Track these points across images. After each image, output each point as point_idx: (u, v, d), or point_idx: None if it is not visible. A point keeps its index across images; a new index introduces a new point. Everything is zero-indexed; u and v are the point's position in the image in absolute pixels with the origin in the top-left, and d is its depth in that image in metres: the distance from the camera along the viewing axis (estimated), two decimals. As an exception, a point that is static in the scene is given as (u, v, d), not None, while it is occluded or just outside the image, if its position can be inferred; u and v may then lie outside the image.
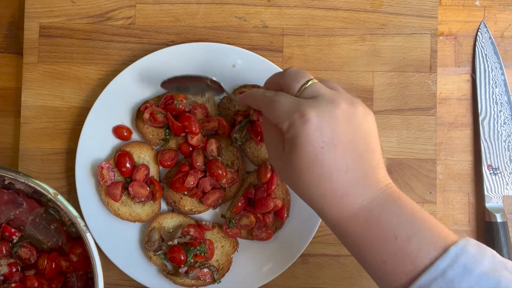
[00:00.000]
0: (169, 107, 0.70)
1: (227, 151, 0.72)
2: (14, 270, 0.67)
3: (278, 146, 0.55)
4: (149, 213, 0.72)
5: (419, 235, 0.49)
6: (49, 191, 0.62)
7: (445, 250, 0.48)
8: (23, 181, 0.62)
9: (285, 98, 0.53)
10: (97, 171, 0.71)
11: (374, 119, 0.54)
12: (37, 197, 0.67)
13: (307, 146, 0.50)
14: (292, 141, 0.51)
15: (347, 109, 0.51)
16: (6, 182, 0.65)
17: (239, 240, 0.73)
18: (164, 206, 0.73)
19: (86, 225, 0.63)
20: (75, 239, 0.68)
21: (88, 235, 0.62)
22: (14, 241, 0.68)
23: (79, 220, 0.62)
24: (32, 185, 0.62)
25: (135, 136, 0.74)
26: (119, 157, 0.71)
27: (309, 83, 0.54)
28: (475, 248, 0.49)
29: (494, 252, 0.50)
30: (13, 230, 0.68)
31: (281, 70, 0.72)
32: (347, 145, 0.51)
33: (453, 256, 0.48)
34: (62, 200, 0.62)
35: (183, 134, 0.71)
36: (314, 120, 0.50)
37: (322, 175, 0.51)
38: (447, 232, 0.50)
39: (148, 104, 0.71)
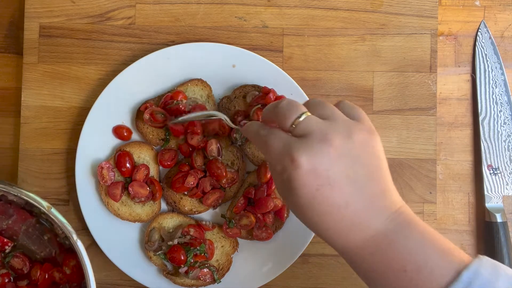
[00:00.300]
0: (170, 109, 0.70)
1: (227, 151, 0.72)
2: (6, 280, 0.66)
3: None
4: (149, 213, 0.72)
5: (430, 263, 0.47)
6: (43, 204, 0.61)
7: (458, 274, 0.46)
8: (16, 194, 0.61)
9: (277, 140, 0.51)
10: (97, 171, 0.71)
11: (377, 141, 0.51)
12: (29, 208, 0.66)
13: (302, 190, 0.49)
14: (287, 184, 0.50)
15: (341, 144, 0.49)
16: None
17: (239, 240, 0.73)
18: (164, 206, 0.74)
19: (79, 239, 0.62)
20: (68, 250, 0.67)
21: (82, 249, 0.61)
22: (7, 251, 0.67)
23: (73, 234, 0.61)
24: (25, 198, 0.61)
25: (135, 136, 0.74)
26: (119, 157, 0.71)
27: (301, 118, 0.51)
28: (488, 270, 0.47)
29: (509, 270, 0.48)
30: (5, 240, 0.66)
31: (281, 70, 0.72)
32: (344, 182, 0.49)
33: (466, 281, 0.46)
34: (55, 213, 0.61)
35: (182, 137, 0.71)
36: (305, 165, 0.48)
37: (322, 213, 0.49)
38: (459, 254, 0.48)
39: (148, 104, 0.71)
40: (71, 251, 0.65)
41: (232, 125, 0.67)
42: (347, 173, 0.49)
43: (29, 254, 0.68)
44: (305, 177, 0.48)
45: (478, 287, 0.45)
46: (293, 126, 0.51)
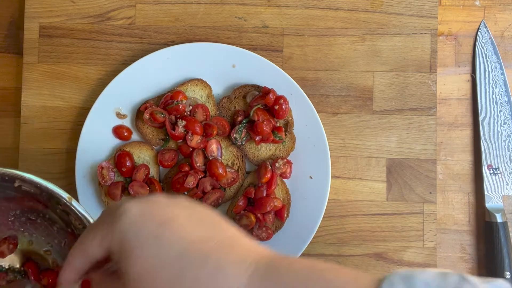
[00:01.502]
0: (170, 109, 0.70)
1: (227, 151, 0.72)
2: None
3: None
4: (149, 213, 0.72)
5: None
6: (63, 196, 0.61)
7: None
8: (36, 185, 0.61)
9: None
10: (97, 171, 0.71)
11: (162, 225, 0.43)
12: (44, 199, 0.65)
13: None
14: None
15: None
16: (16, 185, 0.64)
17: (239, 240, 0.73)
18: (164, 206, 0.73)
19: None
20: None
21: None
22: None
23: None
24: (45, 188, 0.61)
25: (135, 136, 0.74)
26: (119, 157, 0.71)
27: None
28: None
29: (424, 275, 0.41)
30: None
31: (281, 70, 0.72)
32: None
33: None
34: (76, 205, 0.61)
35: (180, 141, 0.71)
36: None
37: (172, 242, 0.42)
38: (356, 285, 0.40)
39: (148, 104, 0.71)
40: None
41: None
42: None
43: (37, 246, 0.68)
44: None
45: None
46: None
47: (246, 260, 0.42)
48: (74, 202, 0.60)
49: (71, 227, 0.66)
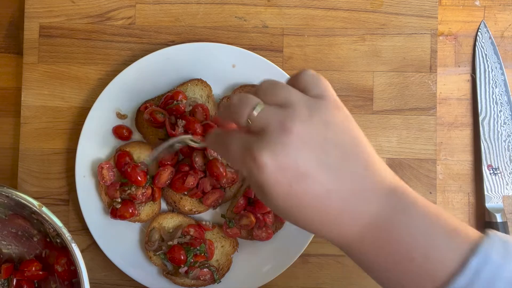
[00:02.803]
0: (170, 109, 0.70)
1: (227, 151, 0.72)
2: None
3: None
4: (149, 213, 0.72)
5: (437, 248, 0.43)
6: (34, 203, 0.61)
7: (466, 260, 0.42)
8: (7, 195, 0.61)
9: (235, 143, 0.46)
10: (97, 171, 0.71)
11: (345, 116, 0.46)
12: (19, 210, 0.66)
13: (275, 191, 0.44)
14: (258, 188, 0.45)
15: (303, 130, 0.43)
16: None
17: (239, 240, 0.73)
18: (164, 206, 0.73)
19: (71, 236, 0.61)
20: (59, 249, 0.67)
21: (73, 245, 0.60)
22: None
23: (65, 231, 0.61)
24: (16, 198, 0.61)
25: (135, 136, 0.74)
26: (119, 157, 0.71)
27: (255, 111, 0.45)
28: (500, 252, 0.42)
29: None
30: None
31: (281, 70, 0.72)
32: (318, 169, 0.43)
33: (474, 269, 0.42)
34: (47, 212, 0.61)
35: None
36: (269, 163, 0.43)
37: (305, 209, 0.44)
38: (466, 233, 0.44)
39: (148, 104, 0.71)
40: (63, 249, 0.65)
41: (196, 145, 0.59)
42: (319, 159, 0.43)
43: (19, 256, 0.68)
44: (273, 176, 0.43)
45: (487, 275, 0.41)
46: (249, 122, 0.45)
47: (387, 181, 0.46)
48: (44, 209, 0.60)
49: (49, 237, 0.66)
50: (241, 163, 0.45)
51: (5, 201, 0.62)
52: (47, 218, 0.60)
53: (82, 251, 0.72)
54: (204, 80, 0.73)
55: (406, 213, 0.44)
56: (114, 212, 0.70)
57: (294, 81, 0.47)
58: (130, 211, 0.70)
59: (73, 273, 0.64)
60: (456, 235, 0.44)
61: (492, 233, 0.44)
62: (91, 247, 0.73)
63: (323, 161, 0.43)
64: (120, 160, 0.71)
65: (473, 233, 0.44)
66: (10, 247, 0.68)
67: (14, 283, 0.67)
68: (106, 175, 0.71)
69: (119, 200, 0.70)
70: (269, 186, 0.44)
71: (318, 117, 0.44)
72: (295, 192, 0.44)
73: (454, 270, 0.42)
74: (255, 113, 0.45)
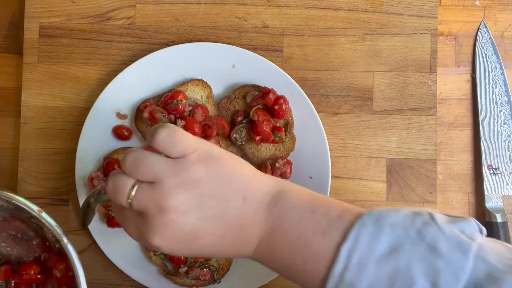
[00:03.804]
0: (169, 108, 0.70)
1: (227, 151, 0.72)
2: None
3: None
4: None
5: (314, 248, 0.46)
6: (33, 208, 0.60)
7: (338, 248, 0.45)
8: (6, 199, 0.60)
9: (129, 226, 0.49)
10: (87, 183, 0.70)
11: (211, 161, 0.47)
12: (18, 213, 0.65)
13: (177, 254, 0.52)
14: None
15: (178, 201, 0.45)
16: None
17: (239, 240, 0.73)
18: (164, 206, 0.73)
19: (69, 241, 0.60)
20: (58, 254, 0.67)
21: (72, 252, 0.60)
22: None
23: (64, 237, 0.60)
24: (16, 203, 0.60)
25: (135, 136, 0.74)
26: (107, 165, 0.70)
27: (132, 192, 0.46)
28: (369, 231, 0.45)
29: (395, 215, 0.46)
30: None
31: (281, 70, 0.72)
32: (205, 225, 0.47)
33: (345, 255, 0.44)
34: (46, 217, 0.61)
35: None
36: (162, 244, 0.46)
37: (206, 254, 0.50)
38: (342, 223, 0.46)
39: (147, 103, 0.71)
40: (62, 254, 0.65)
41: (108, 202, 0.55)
42: (201, 217, 0.46)
43: (18, 259, 0.68)
44: (169, 250, 0.47)
45: (358, 257, 0.44)
46: (130, 203, 0.46)
47: (267, 194, 0.49)
48: (43, 215, 0.60)
49: (48, 241, 0.66)
50: (142, 243, 0.55)
51: (4, 205, 0.62)
52: (46, 224, 0.60)
53: (82, 251, 0.73)
54: (204, 80, 0.73)
55: (284, 224, 0.48)
56: (111, 221, 0.70)
57: (152, 143, 0.47)
58: None
59: (71, 279, 0.63)
60: (331, 227, 0.46)
61: (367, 212, 0.47)
62: (91, 247, 0.73)
63: (205, 217, 0.46)
64: (109, 168, 0.70)
65: (350, 218, 0.47)
66: (8, 249, 0.68)
67: (12, 285, 0.67)
68: (95, 184, 0.70)
69: None
70: (171, 254, 0.50)
71: (186, 180, 0.46)
72: (193, 249, 0.48)
73: (331, 262, 0.45)
74: (132, 195, 0.46)
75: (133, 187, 0.46)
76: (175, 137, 0.47)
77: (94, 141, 0.72)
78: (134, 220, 0.48)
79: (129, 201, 0.46)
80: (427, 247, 0.43)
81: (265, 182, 0.50)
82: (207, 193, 0.46)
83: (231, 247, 0.49)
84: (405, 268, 0.43)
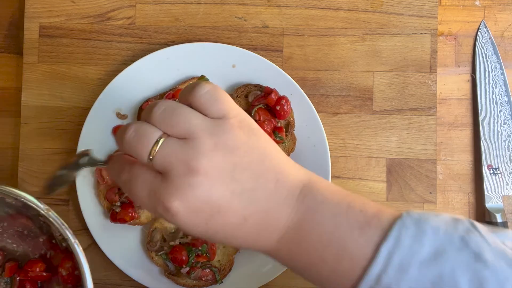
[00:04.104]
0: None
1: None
2: None
3: None
4: (148, 215, 0.72)
5: (349, 246, 0.43)
6: (41, 207, 0.60)
7: (378, 248, 0.42)
8: (15, 196, 0.60)
9: (141, 186, 0.42)
10: (96, 174, 0.71)
11: (250, 132, 0.43)
12: (25, 210, 0.65)
13: (193, 230, 0.43)
14: (178, 226, 0.44)
15: (210, 165, 0.41)
16: None
17: (240, 240, 0.73)
18: (164, 206, 0.73)
19: (77, 241, 0.60)
20: (64, 252, 0.67)
21: (80, 252, 0.60)
22: None
23: (71, 237, 0.60)
24: (24, 201, 0.60)
25: (135, 136, 0.73)
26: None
27: (157, 147, 0.41)
28: (411, 233, 0.42)
29: (437, 219, 0.43)
30: None
31: (281, 70, 0.72)
32: (231, 200, 0.42)
33: (385, 255, 0.41)
34: (54, 216, 0.61)
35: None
36: (181, 210, 0.41)
37: (225, 236, 0.44)
38: (380, 221, 0.43)
39: (150, 102, 0.71)
40: (68, 253, 0.65)
41: (100, 166, 0.50)
42: (230, 190, 0.42)
43: (23, 255, 0.68)
44: (187, 220, 0.42)
45: (399, 260, 0.41)
46: (151, 159, 0.41)
47: (297, 185, 0.45)
48: (51, 213, 0.60)
49: (55, 239, 0.66)
50: (151, 208, 0.43)
51: (13, 202, 0.62)
52: (54, 223, 0.60)
53: (82, 251, 0.73)
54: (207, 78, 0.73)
55: (316, 216, 0.44)
56: (114, 216, 0.70)
57: (190, 97, 0.43)
58: (130, 214, 0.70)
59: (77, 278, 0.63)
60: (368, 225, 0.43)
61: (406, 214, 0.44)
62: (91, 247, 0.73)
63: (234, 191, 0.42)
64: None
65: (388, 217, 0.44)
66: (14, 245, 0.68)
67: (18, 282, 0.67)
68: (105, 176, 0.71)
69: (119, 203, 0.70)
70: (185, 227, 0.43)
71: (222, 144, 0.41)
72: (212, 227, 0.43)
73: (368, 262, 0.42)
74: (156, 149, 0.41)
75: (156, 142, 0.41)
76: (218, 94, 0.43)
77: (94, 141, 0.72)
78: (148, 179, 0.42)
79: (150, 157, 0.41)
80: (472, 255, 0.41)
81: (297, 170, 0.46)
82: (241, 164, 0.42)
83: (252, 233, 0.44)
84: (450, 274, 0.40)
